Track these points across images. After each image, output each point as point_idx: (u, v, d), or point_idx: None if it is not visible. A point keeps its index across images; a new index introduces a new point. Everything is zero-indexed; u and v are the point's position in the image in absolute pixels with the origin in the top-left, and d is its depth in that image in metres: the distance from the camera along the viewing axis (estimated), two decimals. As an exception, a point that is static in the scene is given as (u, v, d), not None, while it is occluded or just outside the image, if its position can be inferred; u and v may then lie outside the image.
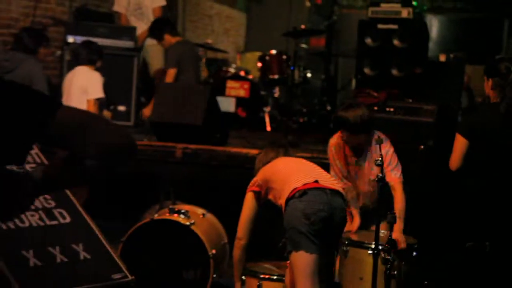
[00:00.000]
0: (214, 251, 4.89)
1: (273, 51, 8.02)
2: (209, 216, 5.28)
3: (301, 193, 3.80)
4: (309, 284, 3.80)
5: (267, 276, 4.32)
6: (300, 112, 7.71)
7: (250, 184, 4.25)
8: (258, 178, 4.22)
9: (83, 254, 4.49)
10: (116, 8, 8.03)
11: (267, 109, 7.87)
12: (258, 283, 4.29)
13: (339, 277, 4.45)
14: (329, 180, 3.99)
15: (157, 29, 7.28)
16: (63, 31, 7.89)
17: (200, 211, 5.23)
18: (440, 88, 6.50)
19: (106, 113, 6.30)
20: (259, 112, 7.85)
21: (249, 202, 4.25)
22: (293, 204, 3.83)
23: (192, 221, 4.94)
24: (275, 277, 4.32)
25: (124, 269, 4.60)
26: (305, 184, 3.83)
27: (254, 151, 6.21)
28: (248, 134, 7.15)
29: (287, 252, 3.89)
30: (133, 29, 7.61)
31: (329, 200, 3.81)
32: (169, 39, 7.22)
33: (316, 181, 3.85)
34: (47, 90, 6.25)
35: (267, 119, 7.76)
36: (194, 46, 7.92)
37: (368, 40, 6.80)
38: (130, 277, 4.58)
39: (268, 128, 7.71)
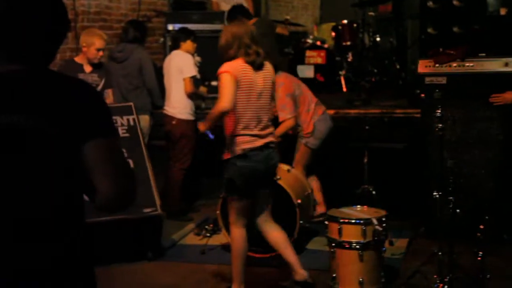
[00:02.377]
0: (299, 201, 4.88)
1: (345, 21, 7.84)
2: (294, 171, 5.25)
3: (242, 154, 3.93)
4: None
5: (346, 220, 4.28)
6: (371, 72, 7.52)
7: (225, 67, 4.00)
8: (230, 70, 3.97)
9: None
10: None
11: (343, 72, 7.73)
12: (338, 227, 4.26)
13: None
14: (266, 128, 4.03)
15: (233, 16, 7.23)
16: (164, 21, 7.99)
17: (285, 167, 5.20)
18: (500, 41, 6.12)
19: (202, 89, 6.33)
20: (335, 76, 7.73)
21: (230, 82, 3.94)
22: (234, 162, 3.95)
23: (279, 177, 4.91)
24: (353, 221, 4.26)
25: (157, 205, 4.95)
26: (247, 143, 3.94)
27: (330, 111, 6.11)
28: (327, 96, 7.03)
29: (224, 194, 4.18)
30: (222, 13, 7.59)
31: (265, 157, 3.97)
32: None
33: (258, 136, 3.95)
34: (154, 74, 6.35)
35: (343, 81, 7.63)
36: (271, 22, 7.85)
37: (430, 3, 6.49)
38: (159, 211, 4.95)
39: (344, 89, 7.59)
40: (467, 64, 5.15)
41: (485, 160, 5.02)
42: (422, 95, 5.14)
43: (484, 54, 5.21)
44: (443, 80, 5.16)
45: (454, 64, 5.18)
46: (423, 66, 5.29)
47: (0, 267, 1.65)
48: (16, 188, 1.67)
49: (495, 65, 5.07)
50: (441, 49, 5.25)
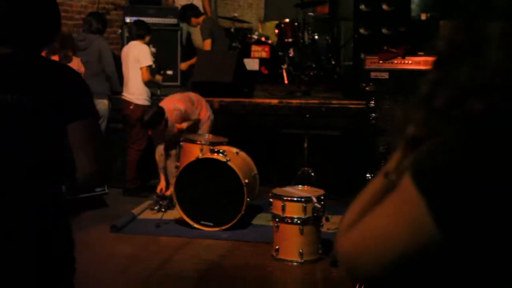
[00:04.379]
0: (247, 181, 4.86)
1: (287, 20, 7.84)
2: (242, 153, 5.23)
3: None
4: None
5: (289, 198, 4.31)
6: (310, 67, 7.54)
7: None
8: None
9: None
10: None
11: (284, 66, 7.73)
12: (282, 204, 4.29)
13: None
14: None
15: (184, 15, 7.18)
16: (122, 13, 7.78)
17: (234, 150, 5.18)
18: (420, 41, 6.26)
19: (158, 77, 6.22)
20: (278, 69, 7.73)
21: None
22: None
23: (229, 158, 4.90)
24: (295, 199, 4.30)
25: (106, 186, 5.37)
26: None
27: (275, 101, 6.13)
28: (270, 87, 7.06)
29: None
30: (176, 8, 7.47)
31: None
32: (195, 20, 7.13)
33: None
34: (113, 62, 6.19)
35: (284, 74, 7.64)
36: (217, 20, 7.81)
37: (362, 6, 6.56)
38: (106, 191, 5.40)
39: (286, 81, 7.60)
40: (406, 62, 5.25)
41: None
42: (367, 88, 5.21)
43: (422, 53, 5.33)
44: (385, 75, 5.25)
45: (396, 61, 5.26)
46: (369, 62, 5.36)
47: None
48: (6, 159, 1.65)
49: (429, 63, 5.17)
50: (385, 47, 5.33)
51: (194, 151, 5.13)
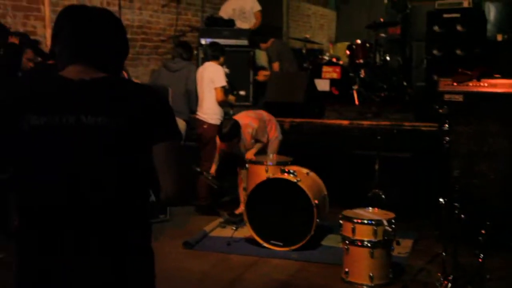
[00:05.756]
0: (316, 201, 4.81)
1: (359, 41, 7.74)
2: (312, 174, 5.18)
3: None
4: None
5: (359, 220, 4.21)
6: (381, 88, 7.40)
7: None
8: None
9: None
10: (221, 14, 8.00)
11: (355, 87, 7.60)
12: (352, 226, 4.20)
13: None
14: None
15: (253, 42, 7.29)
16: (197, 35, 7.96)
17: (304, 170, 5.14)
18: (496, 64, 6.02)
19: (231, 97, 6.29)
20: (348, 90, 7.61)
21: None
22: None
23: (299, 179, 4.87)
24: (366, 221, 4.20)
25: (168, 212, 5.41)
26: None
27: (345, 122, 6.05)
28: (341, 108, 6.97)
29: None
30: (248, 30, 7.54)
31: None
32: (263, 45, 7.24)
33: None
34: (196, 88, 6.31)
35: (355, 95, 7.50)
36: (285, 42, 7.84)
37: (436, 28, 6.39)
38: (167, 217, 5.42)
39: (356, 102, 7.47)
40: (482, 84, 5.08)
41: (494, 172, 4.93)
42: (441, 110, 5.07)
43: (499, 76, 5.14)
44: (460, 98, 5.09)
45: (471, 84, 5.10)
46: (443, 85, 5.22)
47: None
48: (98, 183, 1.68)
49: (505, 86, 5.00)
50: (460, 70, 5.18)
51: (260, 172, 5.14)
